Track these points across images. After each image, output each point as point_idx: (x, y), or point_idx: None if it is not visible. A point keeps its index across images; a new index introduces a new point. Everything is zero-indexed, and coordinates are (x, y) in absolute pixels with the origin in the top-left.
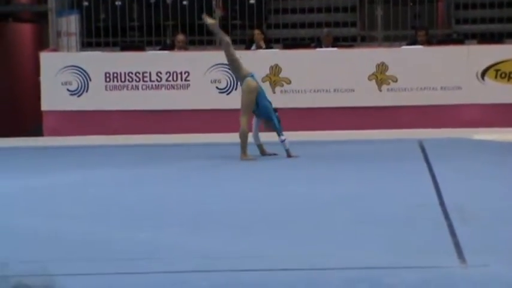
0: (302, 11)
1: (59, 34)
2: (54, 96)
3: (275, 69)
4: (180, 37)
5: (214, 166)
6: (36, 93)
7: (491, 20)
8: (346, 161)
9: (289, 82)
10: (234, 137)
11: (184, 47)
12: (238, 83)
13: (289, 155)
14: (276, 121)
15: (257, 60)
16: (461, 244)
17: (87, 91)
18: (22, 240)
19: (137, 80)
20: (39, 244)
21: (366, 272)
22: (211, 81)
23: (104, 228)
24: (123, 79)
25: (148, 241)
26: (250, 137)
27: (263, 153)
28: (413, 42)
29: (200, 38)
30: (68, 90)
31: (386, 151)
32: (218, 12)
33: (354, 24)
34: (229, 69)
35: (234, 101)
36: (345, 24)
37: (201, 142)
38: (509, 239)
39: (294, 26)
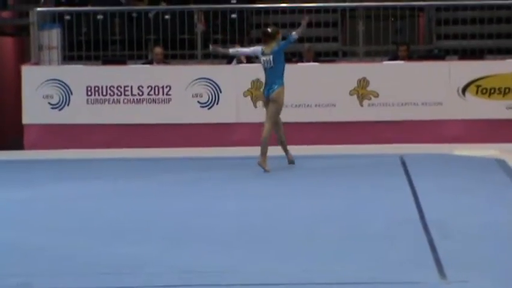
0: (283, 25)
1: (40, 48)
2: (35, 109)
3: (256, 84)
4: (158, 49)
5: (196, 180)
6: (17, 106)
7: (473, 36)
8: (327, 176)
9: None
10: (216, 152)
11: (162, 59)
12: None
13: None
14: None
15: (238, 75)
16: (441, 260)
17: (68, 105)
18: (3, 253)
19: (119, 94)
20: (21, 258)
21: (347, 287)
22: (192, 96)
23: (86, 242)
24: (104, 93)
25: (130, 255)
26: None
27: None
28: (395, 57)
29: (182, 52)
30: (49, 103)
31: (367, 166)
32: (200, 27)
33: (335, 39)
34: (212, 83)
35: (215, 115)
36: (327, 39)
37: (183, 156)
38: (489, 255)
39: None
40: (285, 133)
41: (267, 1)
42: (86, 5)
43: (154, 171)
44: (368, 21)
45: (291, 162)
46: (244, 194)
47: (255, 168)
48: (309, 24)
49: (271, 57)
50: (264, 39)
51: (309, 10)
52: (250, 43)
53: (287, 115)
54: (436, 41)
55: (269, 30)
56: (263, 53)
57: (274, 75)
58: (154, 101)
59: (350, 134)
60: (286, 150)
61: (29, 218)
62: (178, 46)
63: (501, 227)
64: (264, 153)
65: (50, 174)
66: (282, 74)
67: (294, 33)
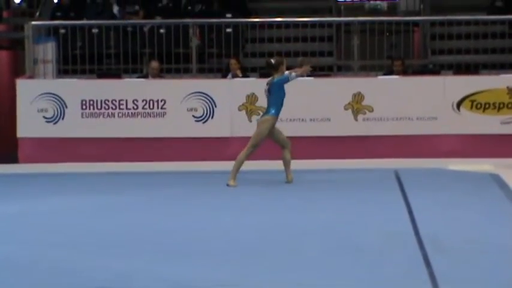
0: (279, 40)
1: (35, 61)
2: (30, 123)
3: (251, 98)
4: (154, 64)
5: (189, 194)
6: (12, 120)
7: (467, 51)
8: (321, 190)
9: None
10: (210, 166)
11: (158, 74)
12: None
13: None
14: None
15: (233, 89)
16: (435, 274)
17: (63, 118)
18: None
19: (113, 107)
20: (13, 272)
21: None
22: (187, 110)
23: (78, 256)
24: (99, 107)
25: (122, 269)
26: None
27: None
28: (390, 72)
29: (177, 67)
30: (44, 117)
31: (362, 181)
32: (195, 41)
33: (330, 54)
34: (207, 97)
35: (210, 129)
36: (322, 54)
37: (177, 170)
38: (483, 270)
39: (270, 55)
40: (292, 152)
41: (262, 15)
42: (81, 18)
43: (149, 185)
44: (363, 35)
45: (289, 182)
46: (238, 208)
47: (248, 182)
48: (304, 39)
49: (267, 87)
50: (267, 69)
51: (304, 24)
52: (245, 57)
53: (282, 129)
54: (431, 55)
55: (272, 61)
56: (267, 82)
57: (269, 105)
58: (149, 114)
59: (345, 149)
60: (287, 170)
61: (21, 232)
62: (174, 60)
63: (495, 242)
64: (234, 170)
65: (44, 188)
66: (277, 105)
67: (294, 74)
